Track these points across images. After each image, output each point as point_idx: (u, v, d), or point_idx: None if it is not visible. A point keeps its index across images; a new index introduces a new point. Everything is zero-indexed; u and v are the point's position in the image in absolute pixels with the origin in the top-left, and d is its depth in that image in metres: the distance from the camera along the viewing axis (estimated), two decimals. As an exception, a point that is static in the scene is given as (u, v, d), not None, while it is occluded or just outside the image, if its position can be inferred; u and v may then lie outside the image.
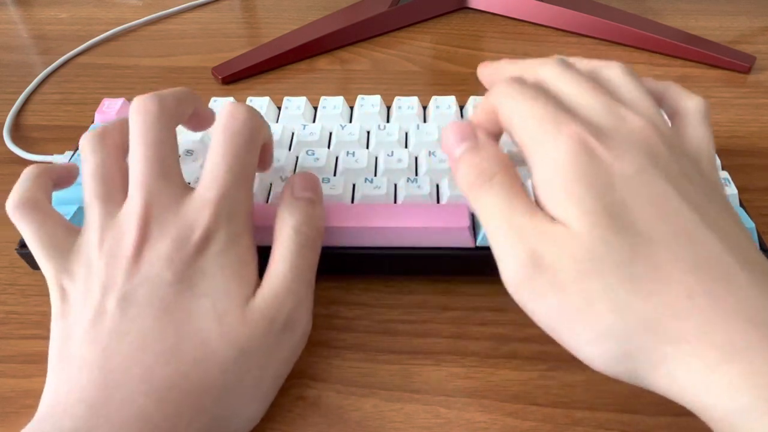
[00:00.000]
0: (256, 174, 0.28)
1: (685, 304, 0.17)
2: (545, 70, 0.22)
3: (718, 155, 0.28)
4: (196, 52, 0.46)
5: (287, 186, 0.25)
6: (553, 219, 0.19)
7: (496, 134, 0.23)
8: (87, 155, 0.23)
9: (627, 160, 0.19)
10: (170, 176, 0.23)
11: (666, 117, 0.23)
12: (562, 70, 0.22)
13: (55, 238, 0.22)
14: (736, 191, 0.27)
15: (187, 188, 0.23)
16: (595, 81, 0.22)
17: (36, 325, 0.27)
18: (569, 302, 0.18)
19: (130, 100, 0.35)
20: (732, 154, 0.35)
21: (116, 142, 0.24)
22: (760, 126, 0.37)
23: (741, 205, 0.27)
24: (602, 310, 0.17)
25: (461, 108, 0.33)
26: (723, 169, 0.28)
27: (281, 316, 0.22)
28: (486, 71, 0.25)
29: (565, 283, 0.18)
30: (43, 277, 0.29)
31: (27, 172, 0.24)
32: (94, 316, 0.20)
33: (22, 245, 0.27)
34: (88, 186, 0.23)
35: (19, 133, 0.38)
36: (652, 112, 0.21)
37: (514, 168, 0.20)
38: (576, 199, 0.18)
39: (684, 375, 0.17)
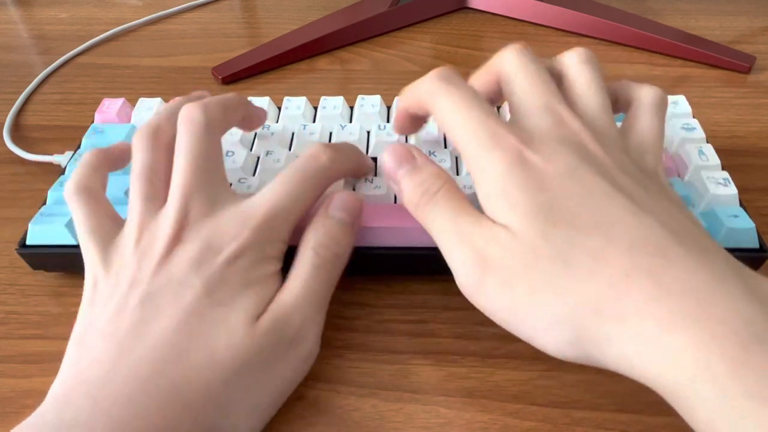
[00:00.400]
0: (257, 174, 0.29)
1: (624, 282, 0.17)
2: (506, 58, 0.23)
3: (718, 155, 0.28)
4: (196, 52, 0.47)
5: (326, 201, 0.25)
6: (495, 223, 0.20)
7: (423, 118, 0.26)
8: (138, 152, 0.24)
9: (558, 160, 0.20)
10: (212, 184, 0.23)
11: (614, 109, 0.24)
12: (519, 61, 0.23)
13: (101, 228, 0.23)
14: (736, 191, 0.27)
15: (234, 198, 0.24)
16: (548, 75, 0.23)
17: (36, 325, 0.27)
18: (518, 297, 0.19)
19: (130, 100, 0.35)
20: (732, 154, 0.35)
21: (167, 140, 0.24)
22: (760, 126, 0.37)
23: (741, 205, 0.27)
24: (547, 299, 0.18)
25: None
26: (723, 169, 0.28)
27: (288, 333, 0.22)
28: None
29: (512, 280, 0.19)
30: (43, 277, 0.29)
31: (87, 158, 0.25)
32: (117, 310, 0.21)
33: (23, 245, 0.27)
34: (134, 184, 0.24)
35: (19, 133, 0.38)
36: (595, 109, 0.22)
37: (453, 181, 0.22)
38: (513, 202, 0.19)
39: (631, 351, 0.17)
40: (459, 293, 0.27)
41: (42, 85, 0.43)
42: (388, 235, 0.26)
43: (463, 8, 0.52)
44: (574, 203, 0.19)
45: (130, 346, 0.20)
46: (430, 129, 0.30)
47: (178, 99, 0.27)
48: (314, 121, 0.33)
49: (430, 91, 0.22)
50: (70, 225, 0.26)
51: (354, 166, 0.27)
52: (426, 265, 0.27)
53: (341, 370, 0.25)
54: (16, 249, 0.27)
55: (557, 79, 0.24)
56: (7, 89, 0.42)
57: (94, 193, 0.24)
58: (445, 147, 0.30)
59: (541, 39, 0.47)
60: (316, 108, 0.33)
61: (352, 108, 0.33)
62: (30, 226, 0.27)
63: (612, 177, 0.20)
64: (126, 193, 0.27)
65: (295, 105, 0.33)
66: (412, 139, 0.30)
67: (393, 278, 0.28)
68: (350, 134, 0.30)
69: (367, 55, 0.46)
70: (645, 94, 0.24)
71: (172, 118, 0.25)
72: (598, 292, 0.18)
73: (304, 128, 0.31)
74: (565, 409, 0.23)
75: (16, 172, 0.35)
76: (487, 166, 0.20)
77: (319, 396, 0.24)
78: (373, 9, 0.48)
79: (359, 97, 0.33)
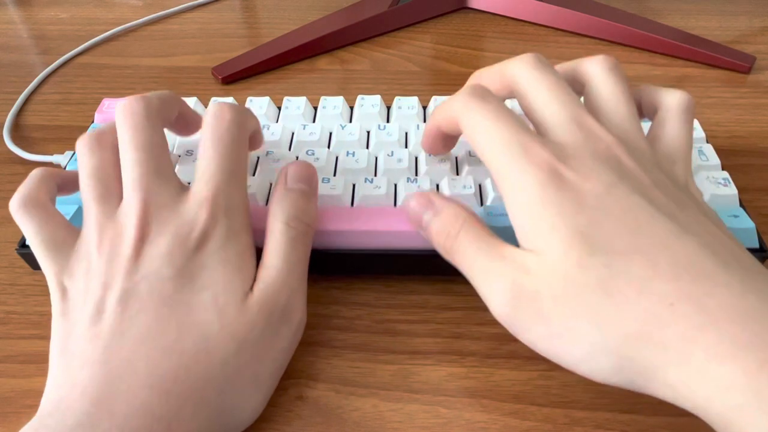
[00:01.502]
0: (257, 174, 0.29)
1: (668, 311, 0.17)
2: (521, 70, 0.22)
3: (718, 155, 0.28)
4: (196, 52, 0.46)
5: (281, 175, 0.25)
6: (523, 249, 0.20)
7: (455, 136, 0.25)
8: (83, 156, 0.24)
9: (595, 178, 0.19)
10: (165, 175, 0.23)
11: (642, 120, 0.23)
12: (535, 72, 0.22)
13: (56, 238, 0.22)
14: (736, 191, 0.27)
15: (183, 187, 0.24)
16: (568, 84, 0.22)
17: (36, 325, 0.27)
18: (555, 327, 0.18)
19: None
20: (732, 154, 0.35)
21: (113, 142, 0.24)
22: (760, 126, 0.37)
23: (741, 205, 0.27)
24: (585, 330, 0.18)
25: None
26: (723, 169, 0.28)
27: (277, 309, 0.22)
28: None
29: (547, 311, 0.18)
30: (43, 277, 0.29)
31: (33, 174, 0.24)
32: (94, 314, 0.21)
33: (23, 245, 0.27)
34: (85, 187, 0.23)
35: (19, 133, 0.38)
36: (623, 121, 0.22)
37: (474, 216, 0.22)
38: (548, 226, 0.19)
39: (677, 381, 0.17)
40: (459, 293, 0.27)
41: (42, 85, 0.43)
42: (387, 236, 0.26)
43: (463, 8, 0.52)
44: (612, 225, 0.18)
45: (117, 345, 0.20)
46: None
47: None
48: (314, 121, 0.33)
49: (460, 108, 0.22)
50: (74, 220, 0.26)
51: (252, 119, 0.26)
52: (425, 266, 0.27)
53: (341, 370, 0.25)
54: (16, 249, 0.27)
55: (577, 89, 0.23)
56: (7, 89, 0.42)
57: (42, 204, 0.23)
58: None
59: (541, 39, 0.47)
60: (316, 108, 0.33)
61: (352, 108, 0.33)
62: (30, 226, 0.27)
63: (650, 195, 0.19)
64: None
65: (295, 105, 0.33)
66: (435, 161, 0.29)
67: (393, 278, 0.28)
68: (350, 134, 0.30)
69: (367, 55, 0.46)
70: (672, 99, 0.23)
71: (113, 125, 0.24)
72: (641, 321, 0.17)
73: (304, 128, 0.31)
74: (565, 409, 0.23)
75: (16, 172, 0.35)
76: (519, 182, 0.20)
77: (319, 396, 0.24)
78: (373, 9, 0.48)
79: (359, 97, 0.33)
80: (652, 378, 0.17)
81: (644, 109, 0.24)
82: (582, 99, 0.24)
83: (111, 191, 0.23)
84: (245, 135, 0.25)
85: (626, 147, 0.20)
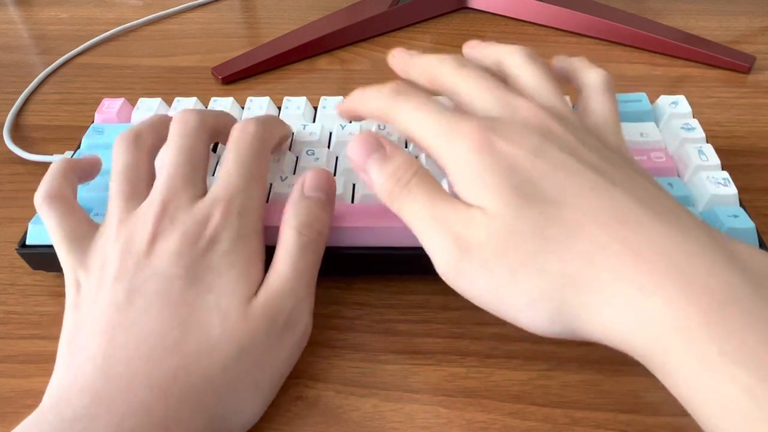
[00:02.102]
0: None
1: (600, 252, 0.18)
2: (444, 68, 0.24)
3: (718, 155, 0.28)
4: (196, 52, 0.46)
5: (299, 181, 0.25)
6: (470, 205, 0.20)
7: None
8: (119, 153, 0.25)
9: (523, 142, 0.20)
10: (193, 182, 0.24)
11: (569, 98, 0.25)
12: (459, 69, 0.24)
13: (77, 233, 0.23)
14: (736, 191, 0.27)
15: (206, 191, 0.24)
16: (492, 74, 0.24)
17: (36, 325, 0.27)
18: (497, 277, 0.19)
19: (130, 100, 0.35)
20: (732, 154, 0.35)
21: (148, 145, 0.25)
22: (760, 126, 0.37)
23: (741, 205, 0.27)
24: (526, 276, 0.19)
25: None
26: (723, 169, 0.28)
27: (282, 316, 0.22)
28: (397, 62, 0.27)
29: (490, 261, 0.19)
30: (43, 277, 0.29)
31: (55, 167, 0.25)
32: (103, 308, 0.21)
33: (22, 245, 0.27)
34: (114, 183, 0.24)
35: (19, 133, 0.38)
36: (547, 96, 0.23)
37: (425, 168, 0.22)
38: (485, 185, 0.20)
39: (609, 318, 0.18)
40: (459, 293, 0.27)
41: (42, 85, 0.43)
42: (387, 235, 0.26)
43: (463, 8, 0.52)
44: (545, 181, 0.19)
45: (122, 340, 0.20)
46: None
47: (161, 114, 0.28)
48: (314, 121, 0.33)
49: (388, 106, 0.23)
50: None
51: (279, 127, 0.28)
52: (426, 266, 0.27)
53: (341, 370, 0.25)
54: (16, 249, 0.27)
55: (503, 79, 0.24)
56: (7, 89, 0.42)
57: (65, 199, 0.24)
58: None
59: (541, 39, 0.47)
60: (316, 108, 0.33)
61: (352, 108, 0.33)
62: (30, 226, 0.27)
63: (578, 153, 0.20)
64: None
65: (295, 105, 0.33)
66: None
67: (393, 278, 0.28)
68: (350, 134, 0.30)
69: (367, 55, 0.46)
70: (591, 78, 0.25)
71: (153, 126, 0.26)
72: (575, 265, 0.18)
73: (304, 128, 0.31)
74: (565, 409, 0.23)
75: (16, 172, 0.35)
76: (454, 154, 0.21)
77: (319, 396, 0.24)
78: (373, 9, 0.48)
79: (359, 97, 0.33)
80: (587, 320, 0.18)
81: (574, 83, 0.26)
82: None
83: (137, 190, 0.24)
84: (267, 147, 0.26)
85: (552, 114, 0.22)
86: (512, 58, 0.25)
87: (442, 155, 0.21)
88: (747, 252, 0.18)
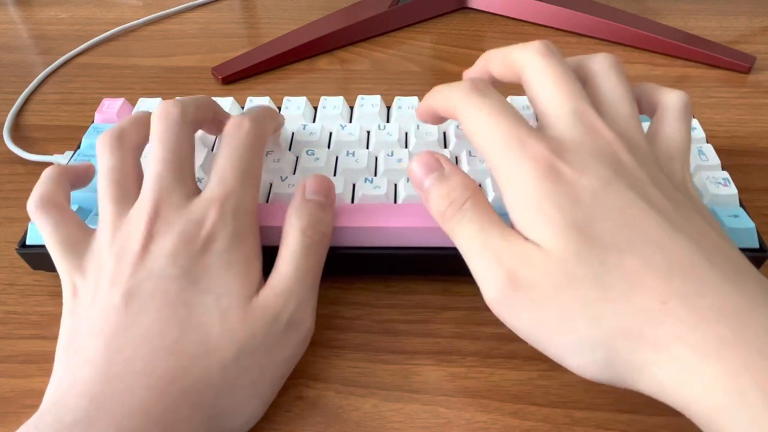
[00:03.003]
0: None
1: (659, 308, 0.17)
2: (528, 55, 0.23)
3: (718, 155, 0.28)
4: (196, 52, 0.46)
5: (300, 187, 0.25)
6: (526, 239, 0.19)
7: (444, 118, 0.25)
8: (103, 156, 0.24)
9: (591, 174, 0.19)
10: (183, 179, 0.23)
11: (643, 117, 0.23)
12: (544, 60, 0.22)
13: (71, 238, 0.23)
14: (736, 191, 0.27)
15: (198, 191, 0.24)
16: (575, 76, 0.22)
17: (35, 325, 0.27)
18: (548, 318, 0.19)
19: (130, 100, 0.35)
20: (732, 154, 0.35)
21: (132, 143, 0.25)
22: (760, 126, 0.37)
23: (741, 205, 0.27)
24: (579, 323, 0.18)
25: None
26: (723, 169, 0.28)
27: (283, 317, 0.22)
28: (475, 66, 0.26)
29: (542, 300, 0.19)
30: (43, 277, 0.29)
31: (47, 173, 0.25)
32: (100, 311, 0.21)
33: (23, 245, 0.27)
34: (102, 187, 0.24)
35: (19, 133, 0.38)
36: (624, 117, 0.22)
37: (482, 192, 0.21)
38: (545, 218, 0.19)
39: (665, 377, 0.17)
40: (459, 293, 0.27)
41: (42, 85, 0.43)
42: (387, 235, 0.26)
43: (463, 8, 0.52)
44: (608, 221, 0.19)
45: (119, 343, 0.20)
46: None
47: (141, 111, 0.27)
48: (314, 121, 0.33)
49: (459, 101, 0.22)
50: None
51: (271, 120, 0.27)
52: (426, 265, 0.27)
53: (341, 370, 0.25)
54: (16, 249, 0.27)
55: (582, 83, 0.23)
56: (7, 89, 0.42)
57: (58, 205, 0.24)
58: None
59: (541, 39, 0.47)
60: (316, 108, 0.33)
61: (352, 108, 0.33)
62: (30, 226, 0.27)
63: (645, 192, 0.19)
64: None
65: (295, 105, 0.33)
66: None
67: (393, 278, 0.28)
68: (350, 134, 0.30)
69: (367, 55, 0.46)
70: (671, 99, 0.23)
71: (135, 123, 0.25)
72: (632, 317, 0.17)
73: (304, 128, 0.31)
74: (565, 409, 0.23)
75: (16, 172, 0.35)
76: (517, 176, 0.20)
77: (319, 396, 0.24)
78: (373, 9, 0.48)
79: (359, 97, 0.33)
80: (640, 374, 0.18)
81: (643, 107, 0.24)
82: None
83: (127, 192, 0.23)
84: (262, 144, 0.25)
85: (625, 144, 0.21)
86: (597, 62, 0.23)
87: (502, 175, 0.20)
88: None
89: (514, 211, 0.20)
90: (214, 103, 0.27)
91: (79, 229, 0.23)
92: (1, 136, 0.37)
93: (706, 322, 0.17)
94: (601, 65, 0.23)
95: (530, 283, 0.19)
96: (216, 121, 0.27)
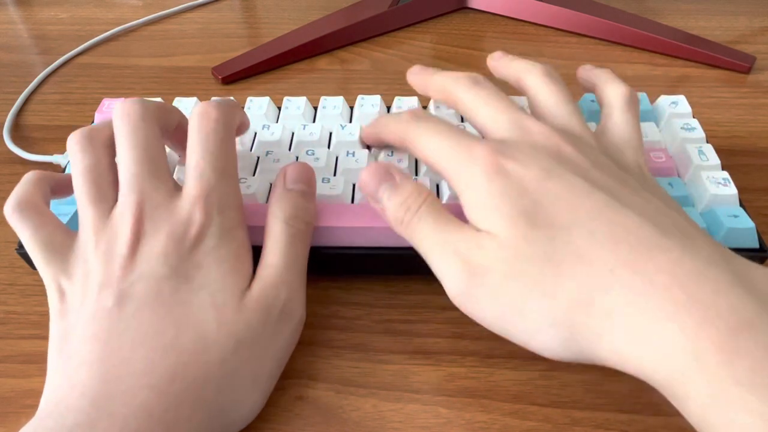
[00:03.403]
0: (257, 174, 0.29)
1: (608, 277, 0.18)
2: (460, 90, 0.25)
3: (718, 155, 0.28)
4: (196, 52, 0.46)
5: (280, 176, 0.25)
6: (479, 230, 0.20)
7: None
8: (76, 155, 0.23)
9: (533, 165, 0.20)
10: (159, 175, 0.23)
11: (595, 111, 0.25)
12: (475, 90, 0.24)
13: (53, 241, 0.22)
14: (736, 191, 0.27)
15: (178, 187, 0.24)
16: (504, 94, 0.24)
17: (35, 325, 0.27)
18: (507, 303, 0.19)
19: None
20: (732, 154, 0.35)
21: (105, 141, 0.24)
22: (760, 126, 0.37)
23: (741, 205, 0.27)
24: (535, 301, 0.19)
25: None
26: (723, 169, 0.28)
27: (276, 307, 0.22)
28: (416, 78, 0.28)
29: (499, 286, 0.19)
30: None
31: (26, 177, 0.24)
32: (92, 315, 0.21)
33: (22, 245, 0.27)
34: (79, 188, 0.23)
35: (19, 133, 0.38)
36: (563, 117, 0.23)
37: (434, 194, 0.23)
38: (495, 209, 0.20)
39: (622, 345, 0.17)
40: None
41: (42, 85, 0.43)
42: (388, 235, 0.26)
43: (463, 8, 0.52)
44: (554, 204, 0.19)
45: (116, 345, 0.20)
46: None
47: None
48: (314, 121, 0.33)
49: (405, 130, 0.24)
50: (70, 225, 0.26)
51: (236, 111, 0.26)
52: (425, 265, 0.27)
53: (341, 370, 0.25)
54: (16, 249, 0.27)
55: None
56: (7, 89, 0.42)
57: (36, 207, 0.23)
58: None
59: (541, 39, 0.47)
60: (316, 108, 0.33)
61: (352, 108, 0.33)
62: (30, 226, 0.27)
63: (589, 176, 0.20)
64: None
65: (295, 105, 0.33)
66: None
67: (393, 278, 0.28)
68: (350, 134, 0.30)
69: (367, 55, 0.46)
70: (613, 96, 0.25)
71: (105, 123, 0.24)
72: (584, 290, 0.18)
73: (304, 128, 0.31)
74: (565, 409, 0.23)
75: (16, 172, 0.35)
76: (469, 178, 0.21)
77: (319, 396, 0.24)
78: (373, 9, 0.48)
79: (359, 97, 0.33)
80: (599, 344, 0.18)
81: (597, 97, 0.26)
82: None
83: (105, 192, 0.23)
84: (232, 131, 0.25)
85: (564, 136, 0.22)
86: (531, 75, 0.25)
87: (454, 179, 0.22)
88: (765, 277, 0.18)
89: (468, 209, 0.21)
90: (178, 110, 0.26)
91: (61, 231, 0.23)
92: (1, 136, 0.37)
93: (656, 286, 0.17)
94: (536, 78, 0.25)
95: (487, 271, 0.19)
96: (180, 129, 0.26)
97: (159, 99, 0.25)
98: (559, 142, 0.21)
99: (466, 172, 0.21)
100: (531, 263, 0.19)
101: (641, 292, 0.17)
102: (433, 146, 0.23)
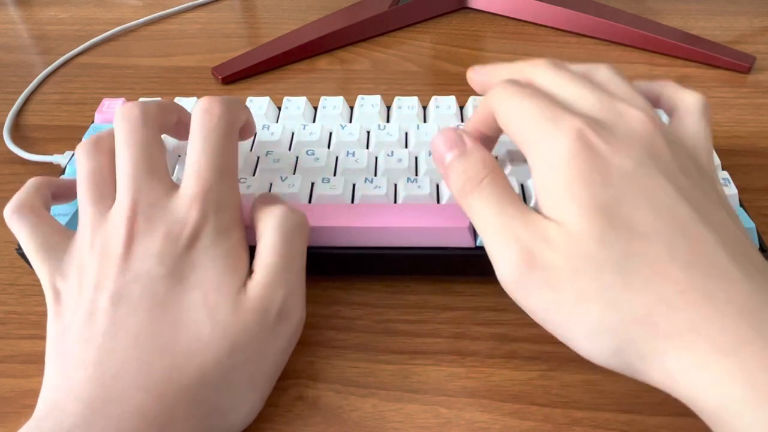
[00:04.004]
0: (257, 174, 0.28)
1: (677, 299, 0.17)
2: (539, 71, 0.22)
3: (718, 155, 0.28)
4: (196, 52, 0.46)
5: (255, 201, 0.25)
6: (545, 218, 0.19)
7: (494, 137, 0.24)
8: (81, 160, 0.24)
9: (626, 154, 0.19)
10: (157, 175, 0.23)
11: (664, 115, 0.23)
12: (555, 71, 0.22)
13: (49, 241, 0.22)
14: (736, 191, 0.27)
15: (175, 186, 0.23)
16: (589, 80, 0.22)
17: (35, 325, 0.27)
18: (564, 300, 0.18)
19: (130, 100, 0.35)
20: (732, 154, 0.35)
21: (110, 147, 0.24)
22: (760, 126, 0.37)
23: (741, 205, 0.27)
24: (595, 307, 0.18)
25: (461, 108, 0.33)
26: (723, 169, 0.28)
27: (274, 307, 0.22)
28: (477, 76, 0.25)
29: (559, 282, 0.18)
30: (42, 277, 0.29)
31: (28, 182, 0.24)
32: (87, 315, 0.21)
33: (22, 245, 0.27)
34: (81, 190, 0.23)
35: (19, 133, 0.38)
36: (648, 108, 0.21)
37: (501, 170, 0.21)
38: (573, 197, 0.18)
39: (676, 368, 0.17)
40: (459, 293, 0.27)
41: (42, 85, 0.43)
42: (387, 235, 0.26)
43: (463, 8, 0.52)
44: (636, 204, 0.18)
45: (110, 346, 0.20)
46: None
47: None
48: (314, 121, 0.33)
49: (494, 97, 0.22)
50: (70, 225, 0.26)
51: (242, 110, 0.26)
52: (426, 265, 0.27)
53: (341, 370, 0.25)
54: (16, 249, 0.27)
55: None
56: (7, 89, 0.42)
57: (34, 209, 0.23)
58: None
59: (541, 39, 0.47)
60: (316, 108, 0.33)
61: (352, 108, 0.33)
62: (30, 226, 0.27)
63: (676, 178, 0.19)
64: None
65: (295, 105, 0.33)
66: None
67: (393, 278, 0.28)
68: (350, 134, 0.30)
69: (367, 55, 0.46)
70: (690, 102, 0.23)
71: (111, 131, 0.24)
72: (650, 306, 0.17)
73: (304, 128, 0.31)
74: (565, 409, 0.23)
75: (16, 172, 0.35)
76: (548, 152, 0.19)
77: (319, 396, 0.24)
78: (373, 9, 0.48)
79: (359, 97, 0.33)
80: (651, 364, 0.17)
81: (662, 105, 0.24)
82: None
83: (106, 194, 0.23)
84: (235, 129, 0.25)
85: (661, 127, 0.20)
86: (599, 72, 0.23)
87: (533, 152, 0.20)
88: None
89: (540, 189, 0.20)
90: (179, 106, 0.26)
91: (57, 231, 0.23)
92: (1, 136, 0.37)
93: (724, 315, 0.17)
94: (604, 73, 0.23)
95: (548, 264, 0.18)
96: (181, 124, 0.26)
97: (159, 99, 0.25)
98: (655, 134, 0.20)
99: (546, 143, 0.19)
100: (600, 268, 0.18)
101: (708, 319, 0.17)
102: (517, 112, 0.20)
